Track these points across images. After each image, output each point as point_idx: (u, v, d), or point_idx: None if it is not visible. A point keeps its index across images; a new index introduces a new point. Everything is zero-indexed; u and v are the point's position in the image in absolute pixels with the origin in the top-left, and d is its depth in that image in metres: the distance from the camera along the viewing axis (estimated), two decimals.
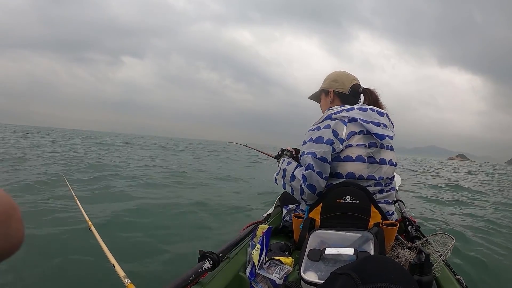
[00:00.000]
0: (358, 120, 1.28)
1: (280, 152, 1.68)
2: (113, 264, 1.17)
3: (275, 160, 1.73)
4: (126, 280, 1.05)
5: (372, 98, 1.45)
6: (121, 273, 1.10)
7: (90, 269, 2.12)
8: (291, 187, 1.35)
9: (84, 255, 2.28)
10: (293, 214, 1.41)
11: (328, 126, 1.29)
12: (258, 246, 1.16)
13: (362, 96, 1.50)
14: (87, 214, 1.74)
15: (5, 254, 0.37)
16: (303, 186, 1.28)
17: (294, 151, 1.71)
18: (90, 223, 1.61)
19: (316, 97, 1.62)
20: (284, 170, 1.41)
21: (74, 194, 2.11)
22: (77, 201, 1.95)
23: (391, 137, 1.33)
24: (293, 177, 1.34)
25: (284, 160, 1.50)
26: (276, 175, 1.48)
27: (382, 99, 1.46)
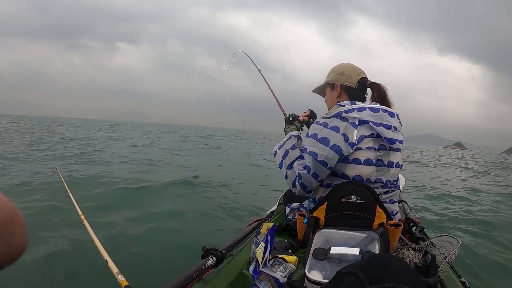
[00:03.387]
0: (370, 122, 1.24)
1: (291, 118, 1.57)
2: (106, 260, 1.15)
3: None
4: (120, 277, 1.04)
5: (380, 93, 1.39)
6: (114, 269, 1.08)
7: (82, 265, 2.10)
8: (286, 173, 1.33)
9: (76, 250, 2.27)
10: (297, 213, 1.40)
11: (336, 129, 1.24)
12: (262, 243, 1.15)
13: (369, 90, 1.43)
14: (79, 208, 1.72)
15: (9, 260, 0.37)
16: (297, 182, 1.27)
17: (307, 115, 1.59)
18: (83, 217, 1.59)
19: (320, 90, 1.56)
20: (287, 151, 1.37)
21: (67, 187, 2.10)
22: (70, 195, 1.94)
23: (401, 142, 1.30)
24: (291, 166, 1.32)
25: (291, 137, 1.43)
26: (279, 148, 1.42)
27: (390, 94, 1.40)
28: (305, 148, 1.29)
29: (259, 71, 2.02)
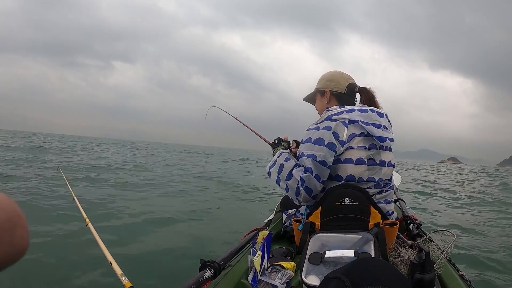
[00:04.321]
0: (359, 122, 1.26)
1: (276, 141, 1.61)
2: (110, 262, 1.16)
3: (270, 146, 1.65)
4: (124, 278, 1.05)
5: (368, 97, 1.43)
6: (119, 271, 1.09)
7: (86, 266, 2.12)
8: (286, 185, 1.32)
9: (80, 252, 2.28)
10: (293, 219, 1.41)
11: (328, 128, 1.27)
12: (259, 252, 1.16)
13: (358, 95, 1.48)
14: (84, 211, 1.72)
15: (10, 261, 0.37)
16: (301, 188, 1.25)
17: (293, 143, 1.63)
18: (87, 220, 1.60)
19: (310, 98, 1.59)
20: (281, 165, 1.37)
21: (71, 190, 2.09)
22: (75, 198, 1.94)
23: (391, 139, 1.32)
24: (290, 175, 1.31)
25: (281, 153, 1.44)
26: (271, 167, 1.43)
27: (378, 98, 1.45)
28: (302, 153, 1.30)
29: (236, 118, 2.09)
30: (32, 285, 1.95)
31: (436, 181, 10.60)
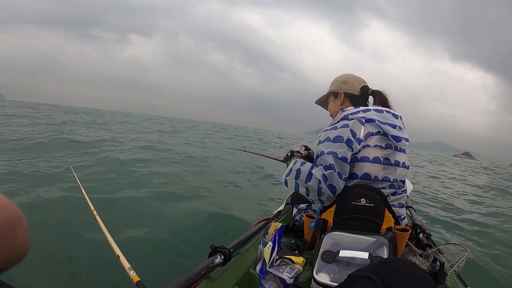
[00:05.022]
0: (376, 121, 1.27)
1: (289, 154, 1.63)
2: (118, 255, 1.15)
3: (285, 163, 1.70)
4: (131, 272, 1.04)
5: (381, 100, 1.45)
6: (126, 264, 1.08)
7: (94, 260, 2.12)
8: (307, 187, 1.29)
9: (88, 245, 2.28)
10: (304, 214, 1.40)
11: (346, 126, 1.27)
12: (270, 243, 1.16)
13: (371, 98, 1.50)
14: (92, 203, 1.72)
15: (12, 263, 0.37)
16: (324, 186, 1.22)
17: (304, 149, 1.67)
18: (95, 212, 1.59)
19: (323, 101, 1.60)
20: (298, 170, 1.35)
21: (79, 182, 2.10)
22: (83, 190, 1.94)
23: (406, 140, 1.31)
24: (309, 176, 1.28)
25: (296, 161, 1.44)
26: (287, 175, 1.41)
27: (391, 101, 1.46)
28: (322, 151, 1.28)
29: (245, 150, 2.61)
30: (37, 280, 1.96)
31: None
